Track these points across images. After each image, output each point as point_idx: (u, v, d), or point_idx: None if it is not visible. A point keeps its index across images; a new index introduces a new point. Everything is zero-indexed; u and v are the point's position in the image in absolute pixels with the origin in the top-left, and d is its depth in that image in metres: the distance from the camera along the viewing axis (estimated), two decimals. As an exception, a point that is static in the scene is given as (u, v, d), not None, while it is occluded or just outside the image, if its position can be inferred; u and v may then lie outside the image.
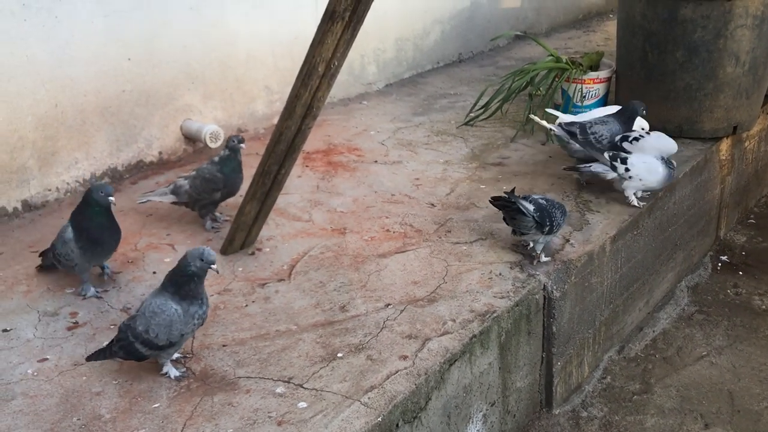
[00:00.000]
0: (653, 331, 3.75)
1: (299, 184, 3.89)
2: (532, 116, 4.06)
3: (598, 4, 8.53)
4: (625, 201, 3.50)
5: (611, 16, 8.56)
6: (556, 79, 4.61)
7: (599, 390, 3.33)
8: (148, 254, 3.18)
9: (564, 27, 7.83)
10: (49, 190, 3.65)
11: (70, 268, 2.81)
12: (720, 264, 4.46)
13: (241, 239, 3.12)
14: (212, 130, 4.08)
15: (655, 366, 3.48)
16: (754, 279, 4.26)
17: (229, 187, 3.29)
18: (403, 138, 4.54)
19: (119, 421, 2.17)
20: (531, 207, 2.92)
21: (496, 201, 3.03)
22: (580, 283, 3.10)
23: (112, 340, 2.36)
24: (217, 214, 3.42)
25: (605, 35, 7.53)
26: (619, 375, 3.43)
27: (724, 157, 4.46)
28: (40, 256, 3.03)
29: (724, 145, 4.42)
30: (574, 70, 4.60)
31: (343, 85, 5.21)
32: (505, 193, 2.99)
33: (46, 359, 2.47)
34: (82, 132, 3.72)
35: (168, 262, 3.12)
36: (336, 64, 2.38)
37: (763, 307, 3.97)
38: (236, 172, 3.30)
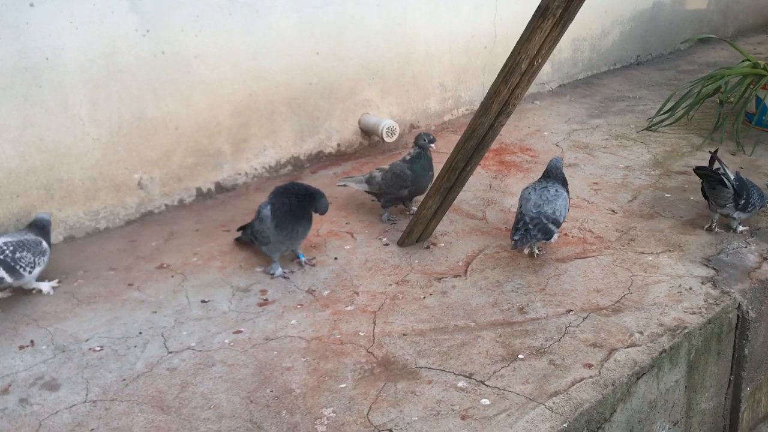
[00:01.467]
0: None
1: (472, 182, 3.85)
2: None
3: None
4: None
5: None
6: (751, 86, 4.29)
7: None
8: (330, 240, 3.30)
9: (752, 31, 7.28)
10: (239, 174, 3.88)
11: (265, 245, 2.97)
12: None
13: (419, 232, 3.16)
14: (389, 125, 4.17)
15: None
16: None
17: (416, 185, 3.33)
18: (578, 140, 4.40)
19: (309, 397, 2.26)
20: (731, 177, 3.05)
21: (699, 170, 3.12)
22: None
23: (520, 224, 2.85)
24: (413, 207, 3.46)
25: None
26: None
27: None
28: (239, 230, 3.23)
29: None
30: (774, 77, 4.26)
31: (515, 84, 5.14)
32: (709, 151, 3.22)
33: (241, 331, 2.63)
34: (271, 121, 3.92)
35: (348, 249, 3.22)
36: (539, 61, 2.35)
37: None
38: (425, 170, 3.34)
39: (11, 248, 2.78)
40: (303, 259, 3.08)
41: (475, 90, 4.90)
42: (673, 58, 6.29)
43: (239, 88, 3.74)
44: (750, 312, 2.74)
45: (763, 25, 7.43)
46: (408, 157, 3.37)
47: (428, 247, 3.20)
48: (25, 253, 2.80)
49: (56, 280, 2.98)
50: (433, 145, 3.35)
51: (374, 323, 2.64)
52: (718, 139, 4.25)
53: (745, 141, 4.14)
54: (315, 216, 3.03)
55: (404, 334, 2.58)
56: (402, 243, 3.21)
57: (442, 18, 4.53)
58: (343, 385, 2.31)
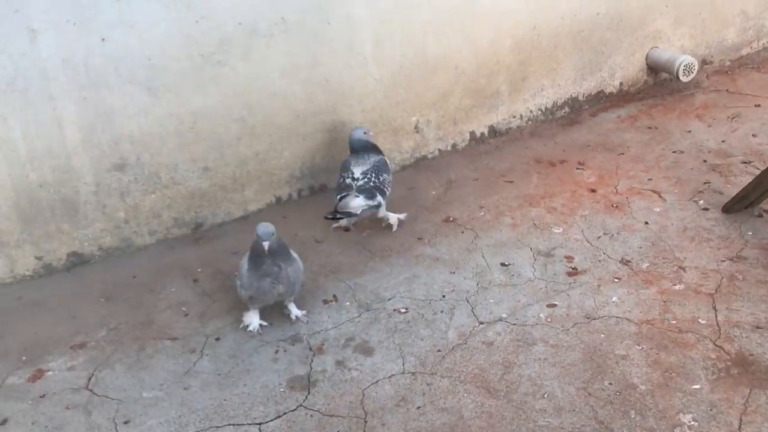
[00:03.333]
0: None
1: (795, 132, 3.25)
2: None
3: None
4: None
5: None
6: None
7: None
8: (633, 200, 2.90)
9: None
10: (514, 116, 3.57)
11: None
12: None
13: (754, 197, 2.66)
14: (687, 61, 3.61)
15: None
16: None
17: None
18: None
19: (657, 396, 1.95)
20: None
21: None
22: None
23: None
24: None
25: None
26: None
27: None
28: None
29: None
30: None
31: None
32: None
33: (555, 305, 2.35)
34: (552, 57, 3.53)
35: (658, 212, 2.81)
36: None
37: None
38: None
39: (374, 174, 2.70)
40: None
41: (781, 17, 4.13)
42: None
43: (523, 19, 3.37)
44: None
45: None
46: None
47: (761, 215, 2.70)
48: (384, 175, 2.74)
49: (404, 214, 2.87)
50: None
51: (715, 309, 2.25)
52: None
53: None
54: (609, 168, 2.64)
55: (758, 327, 2.16)
56: (728, 209, 2.73)
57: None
58: (696, 386, 1.97)
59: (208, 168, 2.91)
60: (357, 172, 2.73)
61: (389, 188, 2.78)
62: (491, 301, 2.40)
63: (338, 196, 2.68)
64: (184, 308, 2.51)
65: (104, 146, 2.69)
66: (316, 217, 2.86)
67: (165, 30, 2.62)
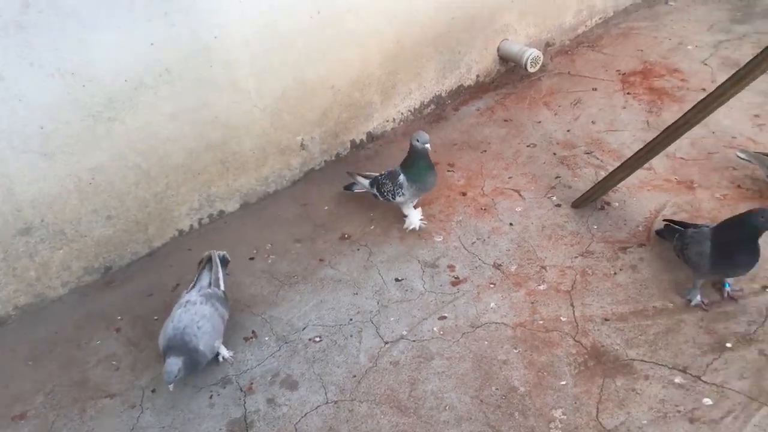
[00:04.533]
0: None
1: (626, 118, 3.80)
2: None
3: None
4: None
5: None
6: None
7: None
8: (498, 201, 3.34)
9: None
10: (387, 120, 3.88)
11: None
12: None
13: (596, 197, 3.16)
14: (534, 55, 4.03)
15: None
16: None
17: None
18: (727, 56, 4.20)
19: (534, 396, 2.43)
20: None
21: None
22: None
23: None
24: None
25: None
26: None
27: None
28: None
29: None
30: None
31: (648, -17, 4.84)
32: None
33: (445, 317, 2.77)
34: (416, 64, 3.85)
35: (519, 211, 3.27)
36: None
37: None
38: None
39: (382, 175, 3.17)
40: None
41: (609, -3, 4.65)
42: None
43: (388, 36, 3.64)
44: None
45: None
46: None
47: (602, 208, 3.22)
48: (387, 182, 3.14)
49: (420, 218, 3.21)
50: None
51: (572, 306, 2.75)
52: None
53: None
54: (479, 170, 3.04)
55: (606, 319, 2.69)
56: (577, 205, 3.23)
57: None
58: (563, 382, 2.47)
59: (110, 216, 3.05)
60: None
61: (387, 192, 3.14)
62: (392, 319, 2.79)
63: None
64: (114, 362, 2.72)
65: (7, 215, 2.77)
66: (219, 246, 3.06)
67: (53, 98, 2.69)
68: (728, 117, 3.67)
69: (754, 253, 2.46)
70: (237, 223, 3.38)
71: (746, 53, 4.18)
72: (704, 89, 3.92)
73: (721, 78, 3.91)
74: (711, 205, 3.14)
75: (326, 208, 3.44)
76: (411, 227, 3.18)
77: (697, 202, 3.17)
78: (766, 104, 3.74)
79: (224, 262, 2.83)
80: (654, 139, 2.77)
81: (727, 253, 2.50)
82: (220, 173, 3.33)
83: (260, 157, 3.43)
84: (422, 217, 3.22)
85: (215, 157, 3.27)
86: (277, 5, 3.14)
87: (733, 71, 3.96)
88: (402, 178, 3.06)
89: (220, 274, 2.73)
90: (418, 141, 2.96)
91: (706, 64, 4.15)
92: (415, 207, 3.23)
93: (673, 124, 2.68)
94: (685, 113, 2.63)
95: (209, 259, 2.78)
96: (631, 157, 2.91)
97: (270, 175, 3.51)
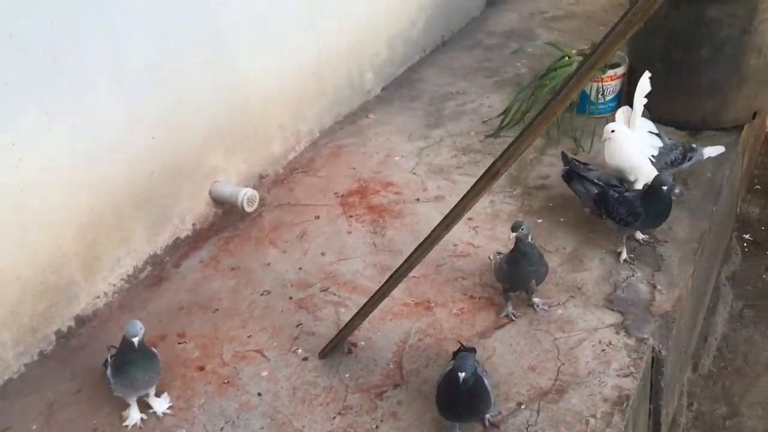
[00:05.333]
0: (716, 339, 3.91)
1: (353, 243, 3.75)
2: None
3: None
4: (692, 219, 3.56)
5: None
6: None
7: (691, 420, 3.47)
8: (241, 368, 3.03)
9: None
10: (98, 297, 3.40)
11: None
12: (746, 245, 4.62)
13: (337, 341, 2.99)
14: (249, 195, 3.84)
15: (731, 382, 3.64)
16: (782, 258, 4.45)
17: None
18: (431, 162, 4.39)
19: None
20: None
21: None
22: (677, 331, 3.16)
23: None
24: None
25: (569, -9, 7.40)
26: (703, 398, 3.57)
27: (744, 142, 4.56)
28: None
29: (745, 132, 4.50)
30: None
31: (346, 99, 4.99)
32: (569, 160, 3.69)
33: None
34: (120, 227, 3.45)
35: (266, 376, 2.98)
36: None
37: (802, 291, 4.17)
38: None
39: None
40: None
41: (312, 120, 4.67)
42: (471, 31, 6.41)
43: (78, 205, 3.21)
44: (662, 351, 2.99)
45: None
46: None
47: (350, 351, 3.06)
48: None
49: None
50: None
51: None
52: (555, 138, 4.46)
53: (578, 134, 4.38)
54: (214, 335, 2.75)
55: (380, 486, 2.47)
56: (324, 355, 3.03)
57: (269, 58, 4.19)
58: None
59: None
60: None
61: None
62: None
63: None
64: None
65: None
66: None
67: None
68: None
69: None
70: None
71: (446, 157, 4.42)
72: (418, 199, 4.03)
73: (431, 185, 4.09)
74: (451, 324, 3.14)
75: (35, 427, 2.83)
76: (131, 424, 2.73)
77: (438, 323, 3.15)
78: (474, 206, 3.91)
79: None
80: (392, 275, 2.70)
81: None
82: None
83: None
84: (170, 404, 2.80)
85: None
86: None
87: (440, 178, 4.18)
88: (109, 372, 2.65)
89: None
90: (127, 333, 2.59)
91: (414, 173, 4.29)
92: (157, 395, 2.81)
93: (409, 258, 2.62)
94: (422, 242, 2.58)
95: None
96: (371, 298, 2.80)
97: (-48, 403, 2.81)
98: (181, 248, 3.80)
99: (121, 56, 3.26)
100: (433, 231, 2.51)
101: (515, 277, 3.04)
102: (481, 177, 2.29)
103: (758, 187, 5.19)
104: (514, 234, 2.94)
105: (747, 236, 4.69)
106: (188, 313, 3.37)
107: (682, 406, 3.52)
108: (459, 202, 2.38)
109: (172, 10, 3.47)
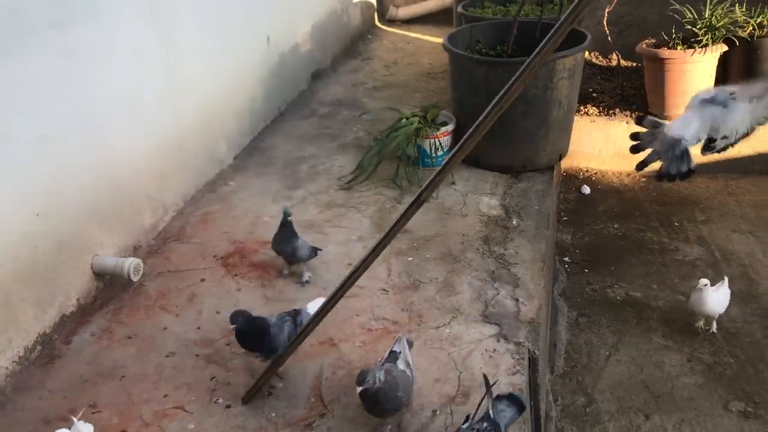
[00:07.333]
0: (563, 344, 4.57)
1: (246, 298, 3.93)
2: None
3: (359, 27, 9.23)
4: (533, 244, 4.21)
5: (369, 37, 9.35)
6: (415, 139, 5.16)
7: (560, 413, 4.04)
8: (166, 426, 3.08)
9: (343, 57, 8.38)
10: (-9, 383, 3.26)
11: None
12: (567, 266, 5.44)
13: (261, 384, 3.17)
14: (134, 264, 3.90)
15: (583, 377, 4.29)
16: (598, 273, 5.30)
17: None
18: (301, 219, 4.70)
19: None
20: None
21: None
22: (543, 335, 3.73)
23: None
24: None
25: (383, 62, 8.25)
26: (564, 393, 4.17)
27: (555, 179, 5.43)
28: None
29: (555, 171, 5.38)
30: (428, 128, 5.19)
31: (203, 169, 5.20)
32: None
33: None
34: (6, 307, 3.35)
35: (192, 429, 3.06)
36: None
37: (618, 297, 5.01)
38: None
39: None
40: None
41: (176, 190, 4.81)
42: (304, 102, 6.92)
43: (-30, 287, 3.11)
44: (535, 351, 3.53)
45: (345, 50, 8.59)
46: None
47: (270, 393, 3.24)
48: None
49: None
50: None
51: None
52: (406, 187, 5.01)
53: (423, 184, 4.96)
54: (128, 400, 2.81)
55: (331, 502, 2.68)
56: (248, 400, 3.18)
57: (136, 134, 4.32)
58: None
59: None
60: None
61: None
62: None
63: None
64: None
65: None
66: None
67: None
68: (329, 271, 4.10)
69: None
70: None
71: (313, 213, 4.78)
72: (297, 253, 4.30)
73: (306, 239, 4.38)
74: (357, 356, 3.44)
75: None
76: None
77: (346, 357, 3.44)
78: (350, 252, 4.30)
79: None
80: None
81: None
82: None
83: None
84: None
85: None
86: None
87: (314, 232, 4.50)
88: None
89: None
90: None
91: (286, 230, 4.57)
92: None
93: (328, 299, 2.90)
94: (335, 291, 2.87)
95: None
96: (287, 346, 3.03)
97: None
98: (68, 325, 3.74)
99: (5, 136, 3.27)
100: (366, 258, 2.77)
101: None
102: (410, 205, 2.60)
103: (566, 218, 6.10)
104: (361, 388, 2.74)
105: (566, 258, 5.51)
106: (93, 383, 3.35)
107: (550, 402, 4.09)
108: (390, 229, 2.66)
109: (49, 89, 3.54)
